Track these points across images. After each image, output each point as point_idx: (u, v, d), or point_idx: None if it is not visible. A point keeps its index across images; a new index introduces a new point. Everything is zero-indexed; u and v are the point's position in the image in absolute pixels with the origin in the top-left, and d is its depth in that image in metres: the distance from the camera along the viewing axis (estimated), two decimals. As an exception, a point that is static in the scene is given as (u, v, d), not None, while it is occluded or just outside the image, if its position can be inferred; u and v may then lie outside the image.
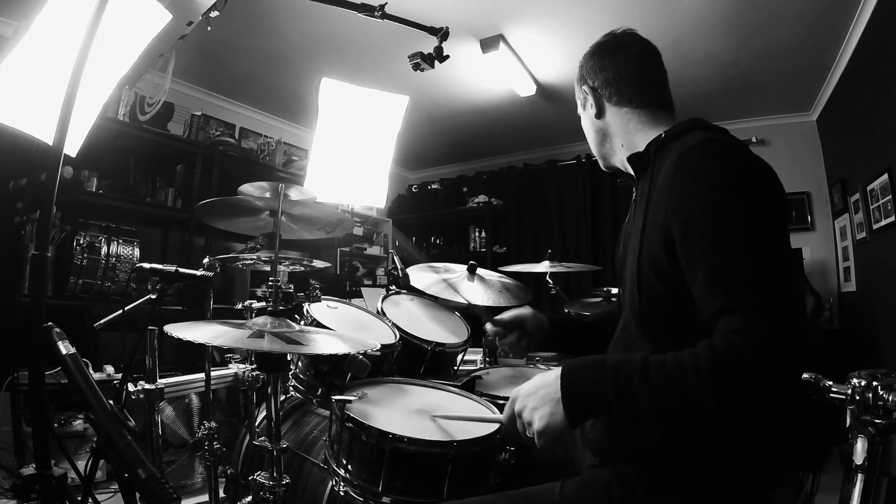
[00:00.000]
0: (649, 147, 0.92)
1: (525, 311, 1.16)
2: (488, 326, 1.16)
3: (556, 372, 0.79)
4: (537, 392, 0.80)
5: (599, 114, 1.01)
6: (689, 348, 0.71)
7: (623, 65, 0.98)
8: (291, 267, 1.57)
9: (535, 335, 1.16)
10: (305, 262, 1.57)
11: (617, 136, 1.00)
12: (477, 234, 5.23)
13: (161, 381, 1.36)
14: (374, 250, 4.97)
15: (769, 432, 0.81)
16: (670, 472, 0.80)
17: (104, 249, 2.69)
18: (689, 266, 0.75)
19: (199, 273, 1.33)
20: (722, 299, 0.70)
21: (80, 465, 1.04)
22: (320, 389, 1.32)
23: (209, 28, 1.42)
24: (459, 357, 1.75)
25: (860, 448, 0.81)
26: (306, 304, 1.42)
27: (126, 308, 1.29)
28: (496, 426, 1.03)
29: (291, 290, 1.26)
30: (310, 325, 1.38)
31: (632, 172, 0.98)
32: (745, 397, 0.67)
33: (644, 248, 0.84)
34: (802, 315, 0.71)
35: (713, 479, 0.79)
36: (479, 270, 1.92)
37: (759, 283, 0.69)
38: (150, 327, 1.32)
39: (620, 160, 1.01)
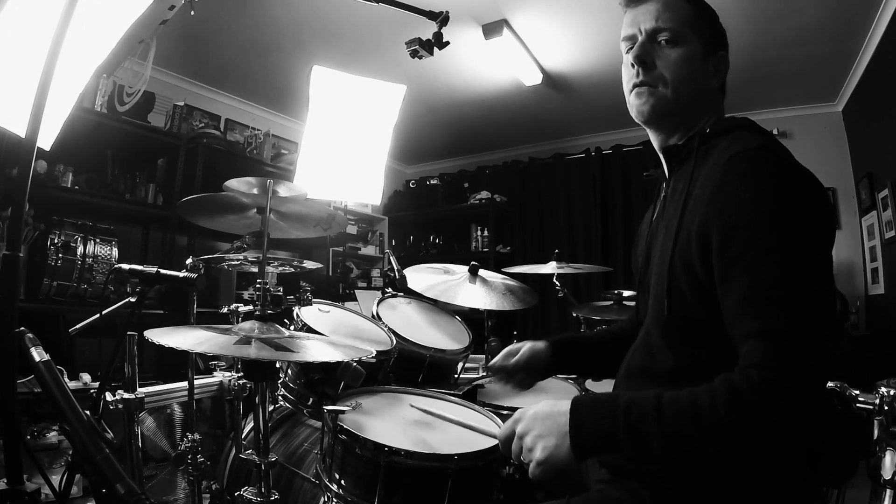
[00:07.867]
0: (691, 140, 0.90)
1: (524, 352, 1.16)
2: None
3: (568, 404, 0.79)
4: (545, 419, 0.79)
5: (713, 81, 0.93)
6: (706, 384, 0.71)
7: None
8: (280, 268, 1.58)
9: (538, 369, 1.17)
10: (295, 263, 1.57)
11: (702, 114, 0.92)
12: (479, 232, 5.23)
13: (141, 391, 1.36)
14: (369, 250, 4.97)
15: (792, 448, 0.81)
16: (689, 494, 0.80)
17: (80, 249, 2.68)
18: (723, 279, 0.75)
19: (181, 275, 1.33)
20: (751, 321, 0.71)
21: (55, 479, 1.04)
22: (311, 399, 1.32)
23: (192, 12, 1.43)
24: (460, 365, 1.75)
25: (889, 462, 0.81)
26: (296, 307, 1.42)
27: (104, 312, 1.28)
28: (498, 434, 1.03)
29: (280, 293, 1.26)
30: (300, 330, 1.39)
31: (664, 163, 0.97)
32: (765, 436, 0.68)
33: (677, 250, 0.83)
34: (830, 344, 0.71)
35: (735, 500, 0.79)
36: (482, 272, 1.92)
37: (791, 311, 0.69)
38: (129, 333, 1.32)
39: (680, 136, 0.94)
